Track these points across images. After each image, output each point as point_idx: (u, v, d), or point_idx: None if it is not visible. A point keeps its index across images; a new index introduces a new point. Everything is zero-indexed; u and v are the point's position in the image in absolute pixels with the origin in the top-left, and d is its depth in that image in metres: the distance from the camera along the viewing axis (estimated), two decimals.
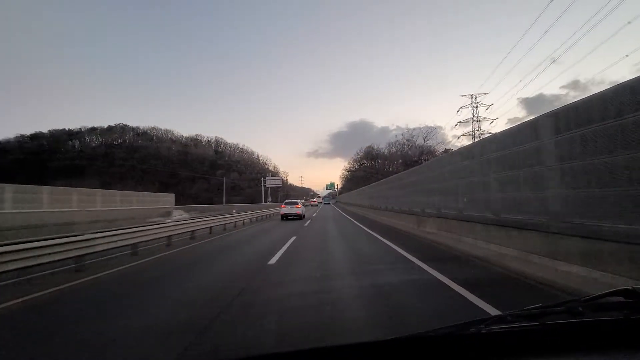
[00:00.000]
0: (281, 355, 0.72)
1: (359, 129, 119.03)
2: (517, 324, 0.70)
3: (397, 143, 59.47)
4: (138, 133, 73.23)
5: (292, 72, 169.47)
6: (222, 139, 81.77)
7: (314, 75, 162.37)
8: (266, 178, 49.78)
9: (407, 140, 47.44)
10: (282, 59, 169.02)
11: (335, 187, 73.14)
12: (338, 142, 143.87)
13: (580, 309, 0.71)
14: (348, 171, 69.31)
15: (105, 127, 69.67)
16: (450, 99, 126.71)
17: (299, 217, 14.63)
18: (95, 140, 69.11)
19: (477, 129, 39.11)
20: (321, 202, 59.40)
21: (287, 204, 15.58)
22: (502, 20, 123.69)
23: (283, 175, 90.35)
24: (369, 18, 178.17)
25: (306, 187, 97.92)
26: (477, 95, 39.66)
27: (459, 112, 43.44)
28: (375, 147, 63.21)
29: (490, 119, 39.90)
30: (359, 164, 65.35)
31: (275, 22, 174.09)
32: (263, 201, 45.33)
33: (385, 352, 0.66)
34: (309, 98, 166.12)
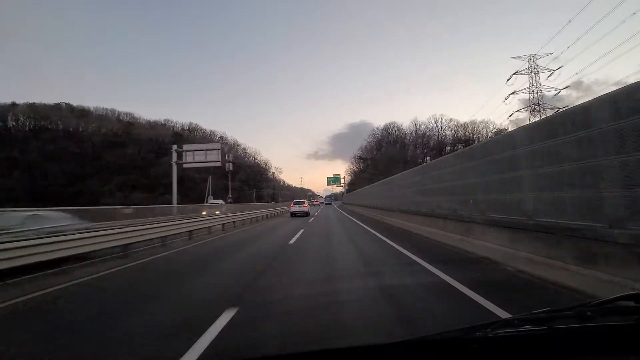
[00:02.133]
0: (291, 356, 0.89)
1: (359, 130, 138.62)
2: (524, 328, 0.86)
3: (428, 124, 58.79)
4: (72, 110, 72.73)
5: (293, 73, 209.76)
6: (197, 125, 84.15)
7: (314, 76, 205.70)
8: (183, 149, 25.91)
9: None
10: (282, 59, 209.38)
11: (342, 180, 68.55)
12: (338, 144, 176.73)
13: (589, 313, 0.86)
14: (360, 158, 68.49)
15: (29, 104, 69.23)
16: (451, 99, 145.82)
17: (306, 214, 23.33)
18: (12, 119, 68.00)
19: (536, 102, 38.56)
20: (322, 203, 73.15)
21: (295, 203, 24.84)
22: (504, 20, 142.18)
23: (275, 171, 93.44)
24: (369, 18, 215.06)
25: (306, 188, 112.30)
26: (537, 57, 38.77)
27: (511, 80, 42.33)
28: (397, 125, 61.96)
29: (557, 89, 38.74)
30: (376, 149, 63.67)
31: (274, 22, 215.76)
32: (175, 200, 24.13)
33: (392, 354, 0.83)
34: (308, 99, 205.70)
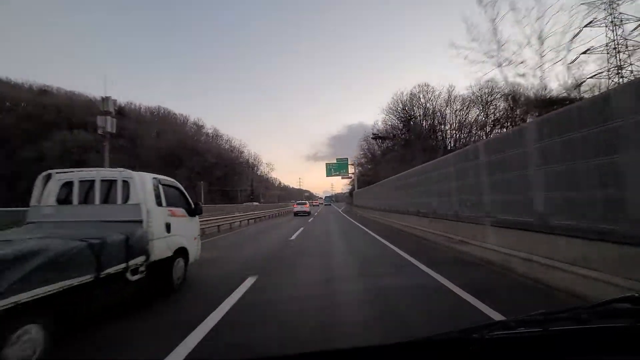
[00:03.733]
0: (288, 357, 1.21)
1: (357, 131, 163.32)
2: (520, 330, 1.10)
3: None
4: None
5: (290, 74, 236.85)
6: (167, 110, 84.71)
7: (312, 76, 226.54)
8: None
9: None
10: (279, 60, 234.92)
11: (350, 169, 53.21)
12: (337, 145, 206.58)
13: (585, 315, 1.10)
14: (377, 138, 56.03)
15: None
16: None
17: (307, 213, 35.57)
18: None
19: (618, 63, 35.09)
20: (322, 204, 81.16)
21: (298, 204, 38.76)
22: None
23: (267, 167, 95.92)
24: (368, 18, 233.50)
25: (304, 189, 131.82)
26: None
27: (578, 36, 37.76)
28: (430, 89, 50.71)
29: None
30: (403, 124, 52.34)
31: (273, 23, 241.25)
32: None
33: (388, 356, 1.07)
34: (307, 99, 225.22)
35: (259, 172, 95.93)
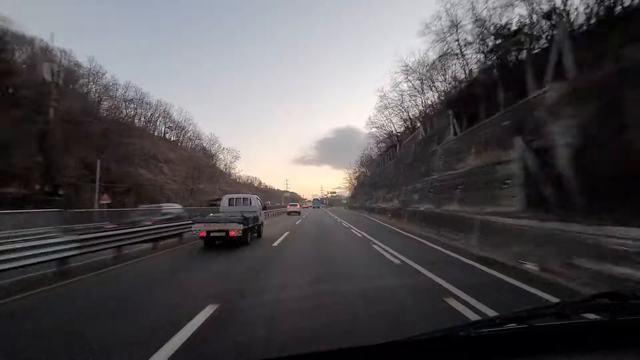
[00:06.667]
0: (284, 359, 1.30)
1: (345, 135, 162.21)
2: (505, 327, 1.19)
3: None
4: None
5: (276, 74, 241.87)
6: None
7: (298, 78, 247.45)
8: None
9: None
10: (266, 61, 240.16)
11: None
12: (325, 149, 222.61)
13: (567, 311, 1.19)
14: None
15: None
16: None
17: (298, 212, 44.96)
18: None
19: None
20: (310, 207, 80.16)
21: (291, 205, 51.58)
22: None
23: (236, 166, 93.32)
24: (357, 21, 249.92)
25: (290, 191, 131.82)
26: None
27: None
28: None
29: None
30: None
31: (258, 23, 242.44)
32: None
33: (377, 355, 1.13)
34: (294, 102, 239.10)
35: (217, 163, 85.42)
